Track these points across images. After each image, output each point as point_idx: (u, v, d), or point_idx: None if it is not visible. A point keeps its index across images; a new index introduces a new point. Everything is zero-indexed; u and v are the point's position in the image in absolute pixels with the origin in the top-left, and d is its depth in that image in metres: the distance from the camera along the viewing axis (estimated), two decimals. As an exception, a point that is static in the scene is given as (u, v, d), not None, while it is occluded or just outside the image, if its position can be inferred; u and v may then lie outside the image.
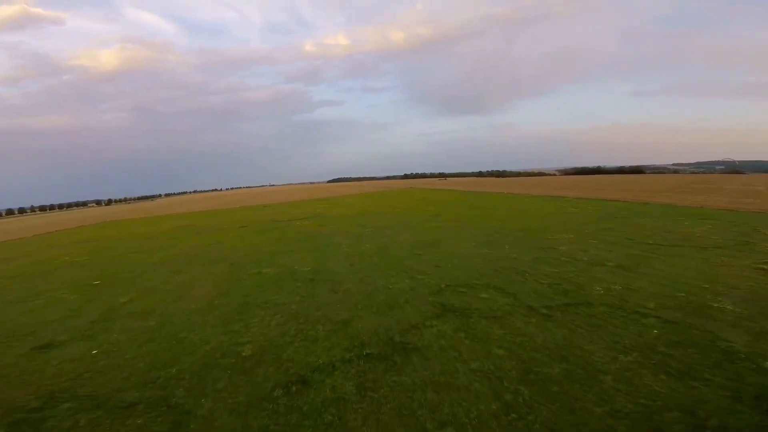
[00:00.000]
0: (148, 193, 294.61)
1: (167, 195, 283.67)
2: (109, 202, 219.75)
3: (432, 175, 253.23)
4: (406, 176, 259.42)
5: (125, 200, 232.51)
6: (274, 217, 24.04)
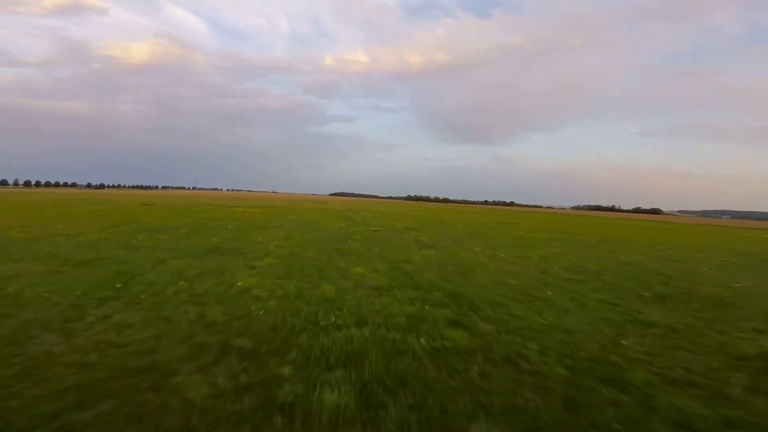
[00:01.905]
0: (144, 183, 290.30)
1: (164, 188, 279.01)
2: (102, 186, 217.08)
3: (436, 200, 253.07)
4: (409, 198, 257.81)
5: (119, 186, 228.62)
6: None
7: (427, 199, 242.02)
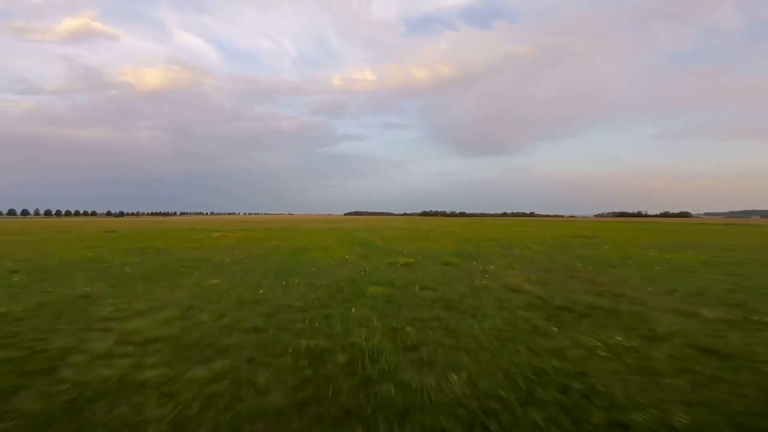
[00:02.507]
0: (162, 210, 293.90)
1: (182, 214, 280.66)
2: (121, 214, 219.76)
3: (452, 214, 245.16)
4: (424, 213, 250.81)
5: (137, 214, 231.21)
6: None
7: (443, 214, 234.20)
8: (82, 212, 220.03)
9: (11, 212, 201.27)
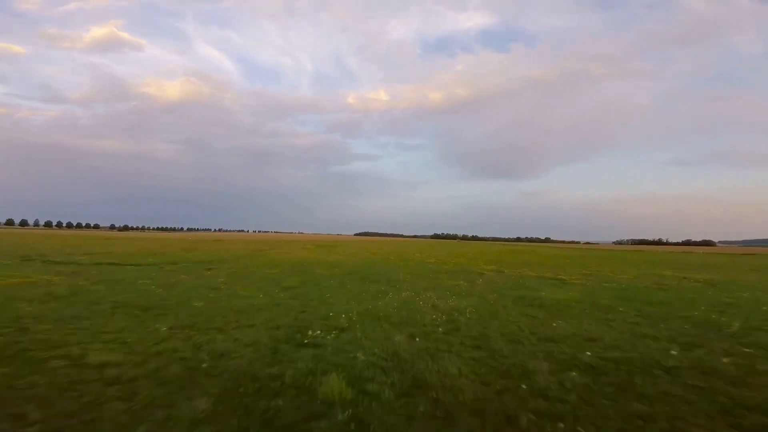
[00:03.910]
0: (170, 225, 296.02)
1: (189, 230, 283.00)
2: (125, 227, 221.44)
3: (464, 237, 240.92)
4: (436, 236, 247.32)
5: (143, 228, 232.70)
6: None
7: (454, 237, 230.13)
8: (84, 225, 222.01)
9: (9, 222, 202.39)
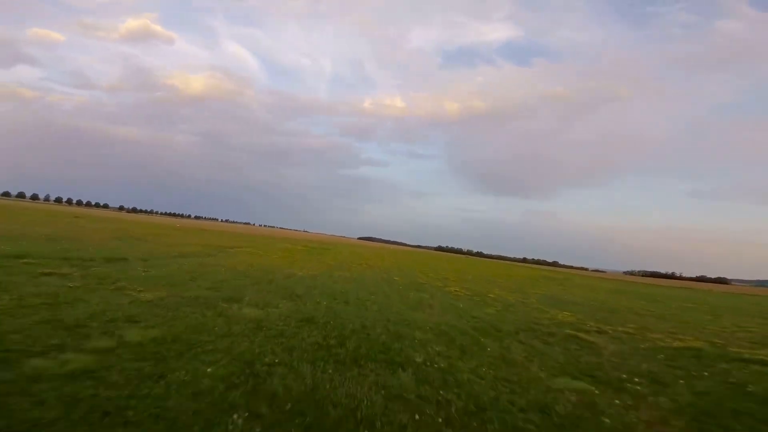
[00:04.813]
0: (177, 211, 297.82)
1: (196, 217, 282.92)
2: (134, 210, 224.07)
3: (469, 252, 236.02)
4: (440, 248, 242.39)
5: (150, 212, 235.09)
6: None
7: (459, 252, 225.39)
8: (94, 203, 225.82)
9: (45, 198, 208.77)
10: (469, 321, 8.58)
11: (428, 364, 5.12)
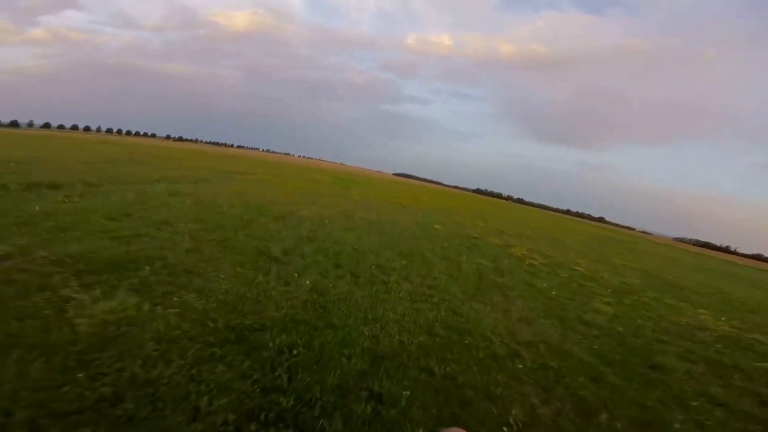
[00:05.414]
0: (220, 141, 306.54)
1: (239, 147, 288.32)
2: (180, 139, 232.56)
3: (509, 198, 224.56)
4: (478, 191, 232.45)
5: (196, 141, 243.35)
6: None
7: (498, 196, 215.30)
8: (142, 133, 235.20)
9: (96, 128, 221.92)
10: (586, 340, 4.44)
11: None
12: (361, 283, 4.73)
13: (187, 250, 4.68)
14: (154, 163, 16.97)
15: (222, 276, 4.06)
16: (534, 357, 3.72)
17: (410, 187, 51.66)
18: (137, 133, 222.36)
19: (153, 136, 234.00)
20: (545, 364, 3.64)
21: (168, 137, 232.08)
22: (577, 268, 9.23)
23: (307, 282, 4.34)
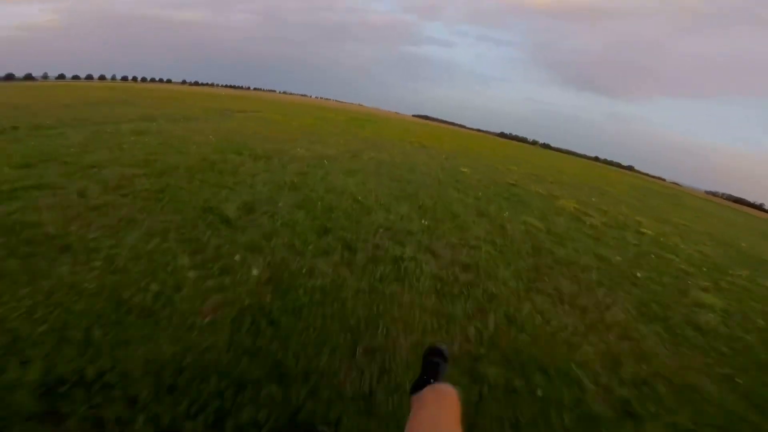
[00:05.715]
0: (237, 84, 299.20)
1: (255, 89, 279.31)
2: (196, 83, 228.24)
3: (534, 143, 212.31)
4: (503, 134, 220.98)
5: (212, 84, 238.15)
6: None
7: (523, 140, 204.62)
8: (158, 79, 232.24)
9: (111, 77, 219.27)
10: (711, 360, 2.70)
11: None
12: (359, 264, 3.03)
13: (92, 208, 3.05)
14: (147, 104, 15.11)
15: (119, 252, 2.43)
16: (656, 410, 2.06)
17: (430, 128, 48.11)
18: (153, 80, 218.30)
19: (168, 81, 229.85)
20: (676, 424, 1.98)
21: (183, 82, 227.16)
22: (642, 230, 7.23)
23: (261, 265, 2.66)
